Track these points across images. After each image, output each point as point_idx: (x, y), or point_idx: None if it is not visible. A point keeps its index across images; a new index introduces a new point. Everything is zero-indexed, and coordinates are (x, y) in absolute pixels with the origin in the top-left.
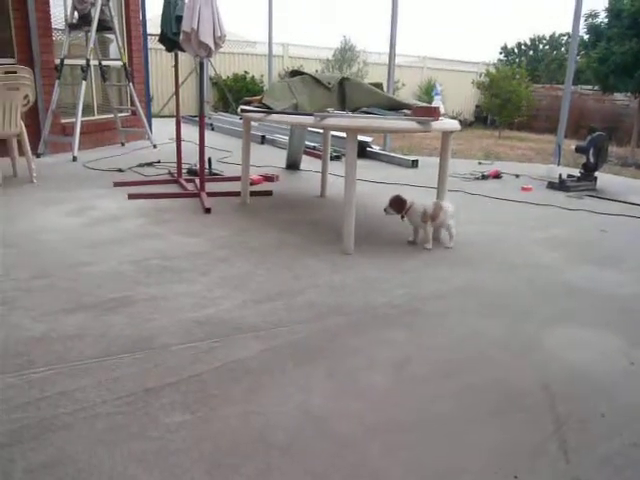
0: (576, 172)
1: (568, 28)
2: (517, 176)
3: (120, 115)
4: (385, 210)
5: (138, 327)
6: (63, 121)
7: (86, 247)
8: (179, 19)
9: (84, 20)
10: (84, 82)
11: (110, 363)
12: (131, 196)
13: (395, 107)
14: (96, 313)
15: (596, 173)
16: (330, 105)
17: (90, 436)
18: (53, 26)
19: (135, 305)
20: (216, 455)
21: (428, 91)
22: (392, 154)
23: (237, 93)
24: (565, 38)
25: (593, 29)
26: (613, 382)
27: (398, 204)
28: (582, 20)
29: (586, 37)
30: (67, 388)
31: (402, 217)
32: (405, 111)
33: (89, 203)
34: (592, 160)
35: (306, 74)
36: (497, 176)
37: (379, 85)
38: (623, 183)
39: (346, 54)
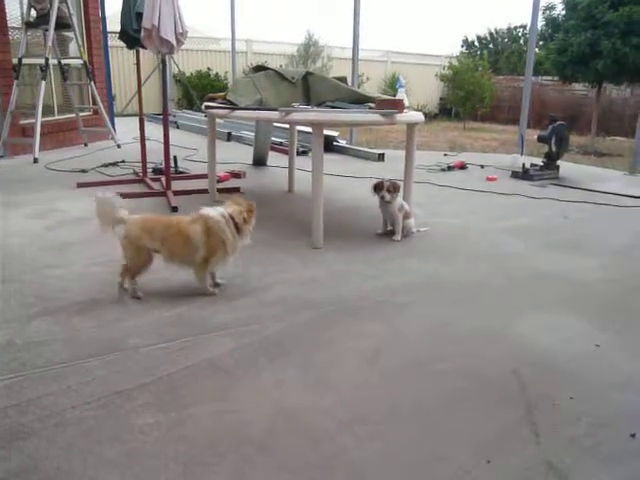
0: (539, 161)
1: (525, 20)
2: (482, 166)
3: (82, 115)
4: (382, 197)
5: (107, 329)
6: (23, 122)
7: (51, 250)
8: (139, 15)
9: (42, 18)
10: (43, 82)
11: (79, 367)
12: None
13: (360, 100)
14: (63, 317)
15: (558, 162)
16: (295, 100)
17: (61, 442)
18: (9, 24)
19: (104, 307)
20: (191, 454)
21: (393, 84)
22: (358, 148)
23: (201, 90)
24: (521, 30)
25: (551, 21)
26: (580, 365)
27: (396, 187)
28: (540, 12)
29: (544, 29)
30: (35, 394)
31: (383, 198)
32: (370, 104)
33: (53, 205)
34: (554, 149)
35: (270, 69)
36: (462, 167)
37: (343, 79)
38: (584, 171)
39: (310, 49)
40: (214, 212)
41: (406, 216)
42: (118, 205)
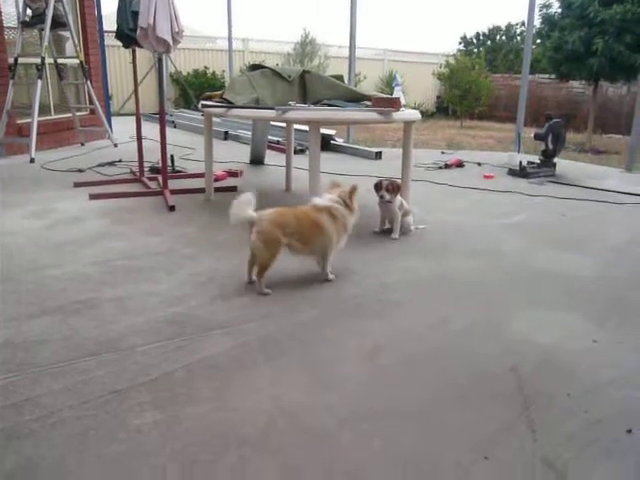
0: (536, 159)
1: (523, 17)
2: (479, 164)
3: (78, 114)
4: (382, 196)
5: (105, 329)
6: (19, 122)
7: (48, 249)
8: (135, 14)
9: (38, 18)
10: (40, 81)
11: (76, 367)
12: (92, 196)
13: (356, 99)
14: (61, 317)
15: (555, 159)
16: (291, 98)
17: (58, 442)
18: (5, 24)
19: (101, 307)
20: (189, 454)
21: (389, 83)
22: (356, 146)
23: (198, 89)
24: (519, 28)
25: (547, 19)
26: (578, 361)
27: (397, 187)
28: (537, 10)
29: (541, 27)
30: (32, 394)
31: (382, 198)
32: (366, 102)
33: (50, 205)
34: (551, 146)
35: (266, 68)
36: (460, 165)
37: (340, 77)
38: (581, 168)
39: (307, 48)
40: (327, 200)
41: (404, 214)
42: (249, 204)
